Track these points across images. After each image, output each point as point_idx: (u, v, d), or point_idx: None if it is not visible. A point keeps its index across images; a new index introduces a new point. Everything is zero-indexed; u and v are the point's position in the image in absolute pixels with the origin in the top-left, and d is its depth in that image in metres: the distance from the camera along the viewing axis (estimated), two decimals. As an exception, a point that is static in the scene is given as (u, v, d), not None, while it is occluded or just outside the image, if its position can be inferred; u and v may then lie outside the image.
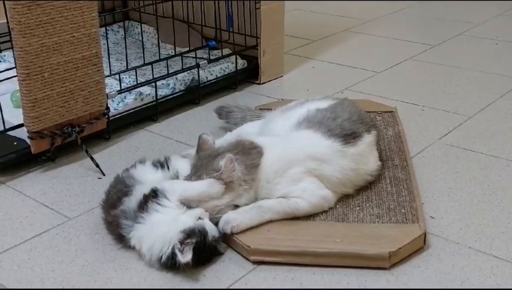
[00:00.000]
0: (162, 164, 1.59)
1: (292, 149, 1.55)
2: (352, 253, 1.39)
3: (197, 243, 1.34)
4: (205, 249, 1.36)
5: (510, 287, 1.33)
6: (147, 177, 1.54)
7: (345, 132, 1.60)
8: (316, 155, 1.54)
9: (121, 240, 1.45)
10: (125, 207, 1.43)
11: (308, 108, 1.69)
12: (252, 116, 1.99)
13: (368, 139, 1.65)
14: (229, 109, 2.05)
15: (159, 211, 1.40)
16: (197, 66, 2.29)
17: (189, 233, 1.34)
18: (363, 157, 1.62)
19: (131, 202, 1.44)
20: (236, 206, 1.49)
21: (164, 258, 1.35)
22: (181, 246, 1.33)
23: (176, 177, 1.56)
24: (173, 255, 1.34)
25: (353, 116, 1.66)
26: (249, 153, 1.52)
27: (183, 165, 1.59)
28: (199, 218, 1.39)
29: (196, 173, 1.49)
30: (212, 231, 1.39)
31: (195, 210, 1.42)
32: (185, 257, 1.32)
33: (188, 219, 1.38)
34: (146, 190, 1.44)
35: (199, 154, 1.56)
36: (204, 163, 1.50)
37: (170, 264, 1.35)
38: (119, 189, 1.51)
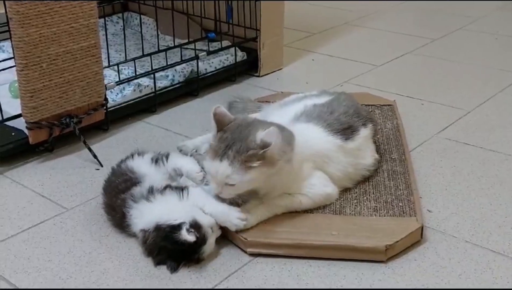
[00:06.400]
0: (157, 160, 1.56)
1: (305, 143, 1.51)
2: (349, 246, 1.39)
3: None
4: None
5: (506, 281, 1.34)
6: (143, 170, 1.53)
7: (343, 126, 1.60)
8: (323, 151, 1.54)
9: (122, 223, 1.45)
10: (134, 192, 1.45)
11: (305, 104, 1.69)
12: (253, 108, 1.98)
13: (364, 133, 1.65)
14: (234, 100, 2.04)
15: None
16: (196, 58, 2.29)
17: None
18: (360, 151, 1.62)
19: (142, 187, 1.46)
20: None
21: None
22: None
23: (177, 173, 1.54)
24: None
25: (349, 110, 1.66)
26: (283, 129, 1.45)
27: (183, 163, 1.56)
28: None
29: (226, 147, 1.37)
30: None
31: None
32: None
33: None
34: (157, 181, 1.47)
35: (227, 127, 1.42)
36: (234, 136, 1.38)
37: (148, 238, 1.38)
38: (127, 179, 1.51)
